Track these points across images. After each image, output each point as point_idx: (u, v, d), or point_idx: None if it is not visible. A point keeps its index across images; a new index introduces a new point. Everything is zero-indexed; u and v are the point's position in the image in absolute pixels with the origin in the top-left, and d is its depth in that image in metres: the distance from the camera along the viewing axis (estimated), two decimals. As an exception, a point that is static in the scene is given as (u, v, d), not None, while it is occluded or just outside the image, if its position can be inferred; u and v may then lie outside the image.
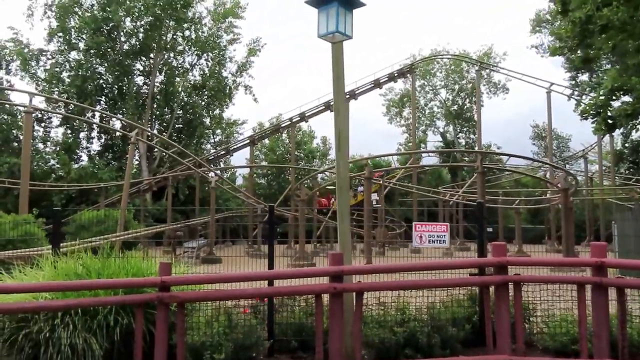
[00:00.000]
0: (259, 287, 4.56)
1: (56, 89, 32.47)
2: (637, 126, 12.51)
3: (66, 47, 32.79)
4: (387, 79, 32.66)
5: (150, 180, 28.87)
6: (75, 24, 32.44)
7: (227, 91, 36.86)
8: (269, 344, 4.68)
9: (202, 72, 36.49)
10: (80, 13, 32.36)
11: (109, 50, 32.96)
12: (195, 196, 28.40)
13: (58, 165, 30.64)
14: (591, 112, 11.97)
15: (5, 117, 29.53)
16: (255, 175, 38.35)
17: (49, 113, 31.83)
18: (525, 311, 5.05)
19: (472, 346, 4.86)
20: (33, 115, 20.17)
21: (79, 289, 4.21)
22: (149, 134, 29.21)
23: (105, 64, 33.07)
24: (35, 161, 28.60)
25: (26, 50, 32.23)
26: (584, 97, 28.70)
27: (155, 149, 31.42)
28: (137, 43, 33.48)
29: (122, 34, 33.07)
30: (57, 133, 33.64)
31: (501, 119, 62.87)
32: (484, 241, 5.43)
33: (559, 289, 5.27)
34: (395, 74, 32.90)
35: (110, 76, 33.51)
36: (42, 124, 32.95)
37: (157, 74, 34.45)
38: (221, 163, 36.23)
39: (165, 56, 34.91)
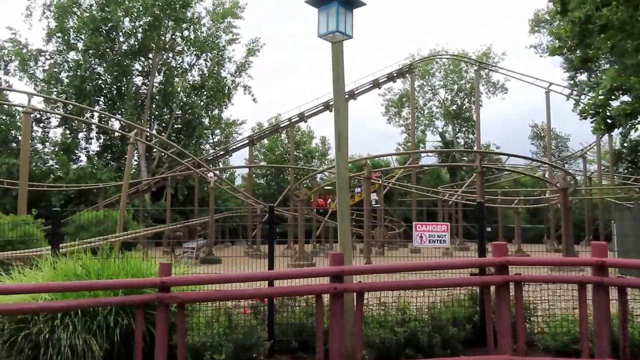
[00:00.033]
0: (259, 288, 4.54)
1: (55, 89, 32.40)
2: (636, 126, 12.54)
3: (65, 48, 32.71)
4: (386, 79, 32.68)
5: (149, 181, 28.82)
6: (73, 24, 32.37)
7: (226, 91, 36.83)
8: (269, 345, 4.67)
9: (201, 72, 36.46)
10: (78, 13, 32.30)
11: (107, 50, 32.90)
12: (195, 196, 28.36)
13: (57, 166, 30.57)
14: (590, 111, 11.99)
15: (4, 117, 29.45)
16: (254, 175, 38.33)
17: (48, 113, 31.75)
18: (526, 311, 5.05)
19: (473, 346, 4.85)
20: (32, 115, 20.12)
21: (79, 289, 4.20)
22: (148, 134, 29.15)
23: (104, 64, 33.01)
24: (34, 162, 28.52)
25: (25, 50, 32.15)
26: (582, 96, 28.76)
27: (154, 149, 31.37)
28: (136, 43, 33.42)
29: (120, 34, 33.02)
30: (56, 133, 33.60)
31: (500, 119, 62.99)
32: (484, 241, 5.43)
33: (559, 289, 5.27)
34: (394, 74, 32.92)
35: (109, 76, 33.45)
36: (41, 125, 32.87)
37: (156, 74, 34.40)
38: (220, 163, 36.20)
39: (164, 56, 34.86)
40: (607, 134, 25.86)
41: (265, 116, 71.45)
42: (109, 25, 31.89)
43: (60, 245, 5.77)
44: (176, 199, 30.79)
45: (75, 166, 31.44)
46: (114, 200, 25.31)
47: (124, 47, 33.39)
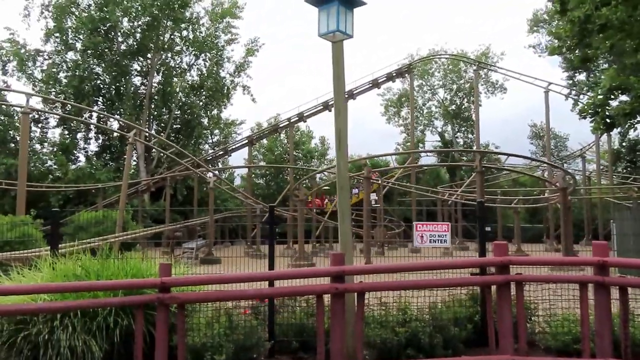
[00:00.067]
0: (260, 288, 4.53)
1: (53, 89, 32.32)
2: (636, 125, 12.56)
3: (63, 48, 32.64)
4: (385, 78, 32.68)
5: (148, 181, 28.78)
6: (72, 24, 32.29)
7: (225, 91, 36.79)
8: (269, 345, 4.65)
9: (200, 73, 36.41)
10: (77, 13, 32.22)
11: (106, 50, 32.84)
12: (194, 197, 28.32)
13: (55, 166, 30.50)
14: (589, 111, 12.01)
15: (2, 118, 29.37)
16: (253, 175, 38.32)
17: (46, 114, 31.68)
18: (527, 310, 5.04)
19: (474, 346, 4.84)
20: (30, 115, 20.05)
21: (78, 290, 4.17)
22: (147, 134, 29.11)
23: (103, 65, 32.94)
24: (33, 162, 28.46)
25: (23, 50, 32.06)
26: (581, 96, 28.81)
27: (153, 150, 31.32)
28: (135, 43, 33.36)
29: (119, 34, 32.95)
30: (54, 134, 33.53)
31: (499, 119, 63.08)
32: (485, 241, 5.42)
33: (559, 289, 5.27)
34: (394, 74, 32.92)
35: (107, 76, 33.38)
36: (39, 125, 32.79)
37: (155, 74, 34.34)
38: (219, 163, 36.16)
39: (163, 56, 34.81)
40: (605, 134, 25.92)
41: (264, 116, 71.51)
42: (108, 25, 31.83)
43: (59, 245, 5.74)
44: (175, 199, 30.75)
45: (74, 166, 31.38)
46: (113, 201, 25.26)
47: (123, 47, 33.33)
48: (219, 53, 36.04)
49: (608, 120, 11.66)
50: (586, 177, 31.65)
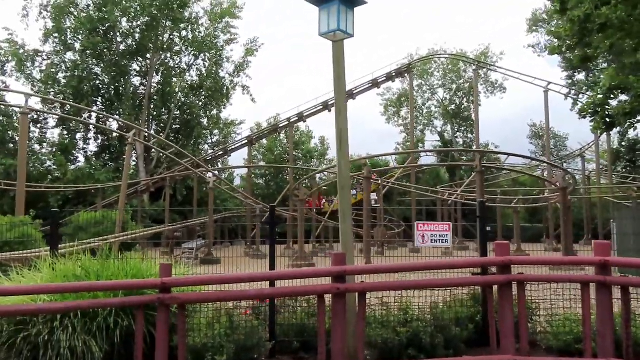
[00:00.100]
0: (261, 288, 4.51)
1: (52, 89, 32.28)
2: (635, 125, 12.57)
3: (62, 48, 32.60)
4: (385, 78, 32.68)
5: (147, 181, 28.75)
6: (71, 24, 32.25)
7: (225, 91, 36.77)
8: (270, 345, 4.63)
9: (199, 73, 36.40)
10: (76, 13, 32.18)
11: (105, 50, 32.80)
12: (193, 197, 28.29)
13: (54, 167, 30.46)
14: (589, 110, 12.02)
15: (1, 118, 29.33)
16: (253, 175, 38.29)
17: (45, 114, 31.63)
18: (528, 310, 5.03)
19: (475, 346, 4.83)
20: (29, 116, 20.01)
21: (78, 291, 4.16)
22: (146, 134, 29.08)
23: (102, 65, 32.90)
24: (32, 162, 28.41)
25: (21, 51, 32.00)
26: (580, 96, 28.84)
27: (153, 150, 31.28)
28: (134, 43, 33.32)
29: (118, 34, 32.91)
30: (54, 134, 33.50)
31: (498, 118, 63.09)
32: (486, 240, 5.41)
33: (560, 288, 5.26)
34: (393, 74, 32.93)
35: (106, 77, 33.35)
36: (38, 125, 32.75)
37: (154, 74, 34.31)
38: (219, 163, 36.13)
39: (162, 56, 34.77)
40: (605, 133, 25.94)
41: (263, 116, 71.52)
42: (107, 25, 31.79)
43: (59, 246, 5.72)
44: (175, 199, 30.72)
45: (73, 167, 31.34)
46: (112, 201, 25.24)
47: (122, 47, 33.29)
48: (218, 53, 36.02)
49: (608, 120, 11.67)
50: (586, 176, 31.68)
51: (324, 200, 30.12)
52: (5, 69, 32.29)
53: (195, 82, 36.21)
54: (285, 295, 4.98)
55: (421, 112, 47.89)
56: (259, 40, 37.72)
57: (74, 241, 10.01)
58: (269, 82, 73.33)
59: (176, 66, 36.04)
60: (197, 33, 35.16)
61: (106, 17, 30.90)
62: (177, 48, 35.25)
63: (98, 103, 34.41)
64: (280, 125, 33.39)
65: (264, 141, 40.76)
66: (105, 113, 32.60)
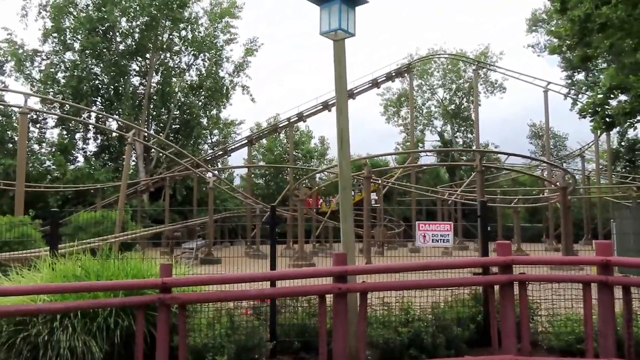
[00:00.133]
0: (261, 288, 4.50)
1: (51, 89, 32.23)
2: (635, 124, 12.58)
3: (61, 48, 32.54)
4: (384, 78, 32.68)
5: (147, 181, 28.72)
6: (70, 24, 32.21)
7: (224, 91, 36.75)
8: (271, 345, 4.62)
9: (198, 72, 36.38)
10: (75, 13, 32.13)
11: (104, 50, 32.76)
12: (193, 197, 28.27)
13: (54, 167, 30.41)
14: (589, 110, 12.03)
15: (0, 118, 29.26)
16: (253, 175, 38.27)
17: (44, 114, 31.57)
18: (529, 310, 5.02)
19: (476, 346, 4.82)
20: (28, 116, 19.97)
21: (78, 291, 4.14)
22: (146, 134, 29.05)
23: (101, 65, 32.86)
24: (31, 162, 28.36)
25: (20, 50, 31.95)
26: (580, 96, 28.87)
27: (152, 150, 31.25)
28: (133, 43, 33.28)
29: (117, 34, 32.87)
30: (53, 134, 33.46)
31: (498, 118, 63.13)
32: (487, 240, 5.40)
33: (561, 288, 5.25)
34: (393, 74, 32.92)
35: (106, 77, 33.30)
36: (38, 125, 32.71)
37: (154, 74, 34.27)
38: (219, 163, 36.11)
39: (162, 56, 34.74)
40: (604, 133, 25.97)
41: (263, 116, 71.54)
42: (106, 25, 31.75)
43: (59, 246, 5.70)
44: (174, 199, 30.69)
45: (72, 167, 31.29)
46: (112, 201, 25.21)
47: (121, 47, 33.25)
48: (217, 53, 35.99)
49: (608, 120, 11.68)
50: (585, 176, 31.70)
51: (321, 201, 30.09)
52: (4, 68, 32.26)
53: (194, 82, 36.19)
54: (286, 295, 4.97)
55: (421, 112, 47.90)
56: (258, 40, 37.75)
57: (73, 241, 9.98)
58: (268, 82, 73.36)
59: (176, 66, 36.03)
60: (196, 33, 35.14)
61: (105, 16, 30.86)
62: (176, 48, 35.22)
63: (97, 103, 34.37)
64: (280, 125, 33.37)
65: (264, 141, 40.74)
66: (104, 113, 32.56)
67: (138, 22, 32.86)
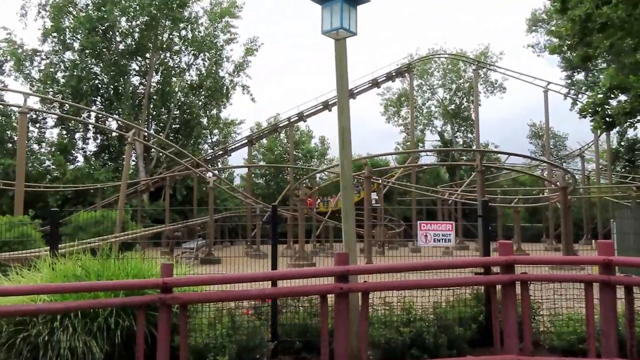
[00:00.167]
0: (262, 288, 4.48)
1: (51, 89, 32.20)
2: (636, 124, 12.57)
3: (61, 47, 32.51)
4: (385, 78, 32.67)
5: (147, 181, 28.69)
6: (69, 23, 32.17)
7: (224, 91, 36.73)
8: (272, 346, 4.61)
9: (199, 72, 36.36)
10: (74, 13, 32.10)
11: (104, 50, 32.72)
12: (193, 196, 28.25)
13: (53, 166, 30.38)
14: (590, 110, 12.02)
15: (0, 117, 29.22)
16: (253, 175, 38.26)
17: (44, 113, 31.54)
18: (531, 310, 5.00)
19: (478, 346, 4.81)
20: (27, 115, 19.95)
21: (79, 291, 4.12)
22: (146, 134, 29.02)
23: (101, 64, 32.83)
24: (31, 162, 28.34)
25: (20, 50, 31.91)
26: (580, 95, 28.88)
27: (152, 150, 31.22)
28: (133, 43, 33.26)
29: (117, 33, 32.84)
30: (52, 134, 33.43)
31: (498, 118, 63.16)
32: (489, 240, 5.39)
33: (561, 288, 5.24)
34: (393, 74, 32.91)
35: (105, 76, 33.27)
36: (37, 125, 32.67)
37: (154, 74, 34.25)
38: (219, 163, 36.09)
39: (162, 56, 34.71)
40: (604, 133, 25.98)
41: (263, 115, 71.47)
42: (106, 24, 31.72)
43: (59, 246, 5.68)
44: (175, 199, 30.67)
45: (72, 166, 31.26)
46: (112, 201, 25.18)
47: (121, 46, 33.22)
48: (217, 53, 35.97)
49: (608, 119, 11.67)
50: (585, 176, 31.72)
51: (318, 201, 30.06)
52: (3, 68, 32.22)
53: (194, 81, 36.16)
54: (287, 295, 4.96)
55: (421, 111, 47.90)
56: (258, 40, 37.73)
57: (73, 241, 9.97)
58: (268, 82, 73.34)
59: (176, 66, 36.01)
60: (196, 32, 35.12)
61: (105, 16, 30.82)
62: (176, 47, 35.20)
63: (97, 102, 34.33)
64: (280, 125, 33.35)
65: (264, 141, 40.72)
66: (104, 113, 32.53)
67: (138, 22, 32.84)
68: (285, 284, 4.85)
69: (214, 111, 37.61)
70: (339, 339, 3.93)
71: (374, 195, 24.94)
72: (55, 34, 31.94)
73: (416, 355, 4.46)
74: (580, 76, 31.54)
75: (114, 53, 32.74)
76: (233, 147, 34.50)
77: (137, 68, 35.05)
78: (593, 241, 23.89)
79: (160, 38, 33.57)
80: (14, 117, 28.36)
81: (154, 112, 34.95)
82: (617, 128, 17.02)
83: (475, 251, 20.31)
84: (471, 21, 72.57)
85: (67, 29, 32.15)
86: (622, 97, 11.98)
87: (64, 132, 33.05)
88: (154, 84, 34.54)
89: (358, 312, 4.18)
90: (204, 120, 37.33)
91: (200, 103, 36.52)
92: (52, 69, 32.34)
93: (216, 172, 29.64)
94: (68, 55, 32.85)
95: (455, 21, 71.93)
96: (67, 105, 30.25)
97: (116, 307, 4.18)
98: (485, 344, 4.79)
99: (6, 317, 4.13)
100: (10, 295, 4.04)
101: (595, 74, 28.07)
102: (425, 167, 37.34)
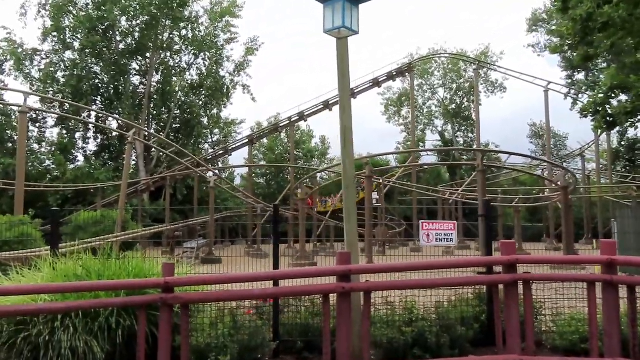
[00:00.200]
0: (265, 288, 4.47)
1: (51, 89, 32.18)
2: (636, 124, 12.55)
3: (61, 47, 32.49)
4: (385, 77, 32.65)
5: (147, 181, 28.68)
6: (69, 23, 32.15)
7: (225, 90, 36.71)
8: (274, 345, 4.59)
9: (199, 72, 36.33)
10: (74, 12, 32.07)
11: (104, 49, 32.70)
12: (194, 196, 28.24)
13: (54, 166, 30.37)
14: (590, 110, 12.00)
15: (0, 117, 29.21)
16: (254, 174, 38.25)
17: (44, 113, 31.53)
18: (533, 310, 4.99)
19: (481, 346, 4.79)
20: (28, 115, 19.94)
21: (80, 290, 4.11)
22: (146, 133, 29.01)
23: (101, 64, 32.81)
24: (31, 162, 28.33)
25: (20, 50, 31.89)
26: (580, 95, 28.86)
27: (153, 149, 31.21)
28: (133, 42, 33.23)
29: (117, 33, 32.81)
30: (53, 133, 33.42)
31: (499, 118, 63.17)
32: (491, 239, 5.37)
33: (562, 287, 5.22)
34: (394, 73, 32.89)
35: (106, 76, 33.25)
36: (37, 125, 32.66)
37: (154, 73, 34.23)
38: (219, 163, 36.08)
39: (162, 55, 34.69)
40: (605, 133, 25.97)
41: (263, 115, 71.36)
42: (106, 24, 31.69)
43: (59, 245, 5.66)
44: (175, 198, 30.66)
45: (72, 166, 31.25)
46: (112, 201, 25.17)
47: (121, 46, 33.20)
48: (218, 52, 35.95)
49: (609, 119, 11.65)
50: (586, 176, 31.70)
51: (317, 200, 30.05)
52: (3, 68, 32.20)
53: (195, 81, 36.14)
54: (289, 295, 4.94)
55: (422, 111, 47.89)
56: (259, 39, 37.71)
57: (73, 240, 9.95)
58: (269, 81, 73.36)
59: (176, 65, 35.99)
60: (197, 32, 35.09)
61: (105, 15, 30.79)
62: (177, 47, 35.18)
63: (97, 102, 34.31)
64: (281, 125, 33.33)
65: (265, 140, 40.73)
66: (104, 112, 32.51)
67: (138, 21, 32.81)
68: (287, 283, 4.84)
69: (215, 111, 37.59)
70: (341, 338, 3.91)
71: (374, 195, 24.92)
72: (55, 34, 31.92)
73: (418, 355, 4.45)
74: (580, 76, 31.54)
75: (114, 52, 32.71)
76: (234, 146, 34.49)
77: (138, 67, 35.03)
78: (594, 241, 23.88)
79: (160, 37, 33.54)
80: (14, 117, 28.34)
81: (155, 112, 34.93)
82: (618, 128, 17.02)
83: (476, 251, 20.29)
84: (473, 20, 72.66)
85: (67, 29, 32.12)
86: (623, 97, 11.97)
87: (64, 131, 33.04)
88: (155, 84, 34.51)
89: (360, 312, 4.17)
90: (205, 120, 37.31)
91: (200, 103, 36.50)
92: (52, 69, 32.31)
93: (217, 171, 29.63)
94: (68, 54, 32.86)
95: (457, 20, 72.03)
96: (67, 104, 30.23)
97: (117, 306, 4.16)
98: (487, 343, 4.78)
99: (7, 316, 4.11)
100: (11, 295, 4.03)
101: (596, 73, 28.06)
102: (426, 166, 37.33)
